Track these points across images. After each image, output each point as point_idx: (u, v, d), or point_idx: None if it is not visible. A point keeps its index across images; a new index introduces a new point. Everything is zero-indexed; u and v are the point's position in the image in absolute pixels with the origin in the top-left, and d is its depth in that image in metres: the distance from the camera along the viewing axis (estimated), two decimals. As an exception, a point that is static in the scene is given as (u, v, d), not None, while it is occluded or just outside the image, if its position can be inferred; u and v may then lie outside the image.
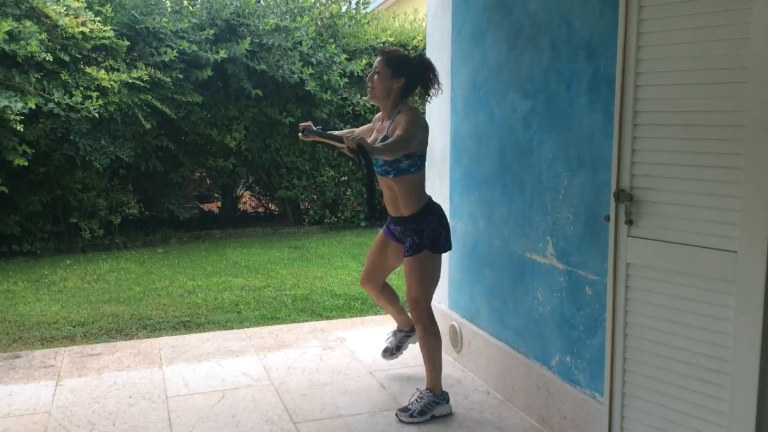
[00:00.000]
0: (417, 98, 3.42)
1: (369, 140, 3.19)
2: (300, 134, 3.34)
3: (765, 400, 1.91)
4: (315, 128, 3.31)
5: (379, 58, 3.23)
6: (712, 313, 2.02)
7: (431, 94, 3.31)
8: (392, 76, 3.19)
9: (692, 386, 2.09)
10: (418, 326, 3.29)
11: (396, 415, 3.27)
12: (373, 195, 3.10)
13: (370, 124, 3.47)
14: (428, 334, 3.27)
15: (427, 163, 4.27)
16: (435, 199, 4.16)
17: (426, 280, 3.27)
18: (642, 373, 2.24)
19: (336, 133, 3.40)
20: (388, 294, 3.66)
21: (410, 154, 3.15)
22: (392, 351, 3.72)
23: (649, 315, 2.20)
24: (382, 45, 8.60)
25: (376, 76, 3.21)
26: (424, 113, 4.13)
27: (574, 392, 2.88)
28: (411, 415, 3.22)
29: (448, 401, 3.32)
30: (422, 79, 3.26)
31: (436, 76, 3.28)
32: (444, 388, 3.50)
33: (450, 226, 3.94)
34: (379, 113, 3.37)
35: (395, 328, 3.79)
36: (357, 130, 3.51)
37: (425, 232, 3.24)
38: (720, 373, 2.01)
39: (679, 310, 2.12)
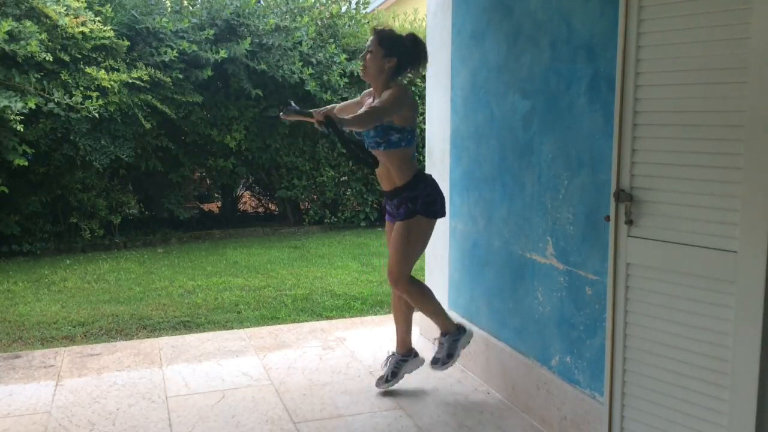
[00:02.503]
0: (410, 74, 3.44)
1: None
2: (280, 114, 3.26)
3: (765, 400, 1.91)
4: (293, 106, 3.23)
5: (372, 37, 3.27)
6: (712, 313, 2.02)
7: (420, 70, 3.35)
8: (384, 56, 3.22)
9: (692, 386, 2.09)
10: (402, 294, 3.40)
11: (431, 366, 3.49)
12: (358, 147, 3.08)
13: (357, 99, 3.51)
14: (414, 298, 3.38)
15: (427, 162, 4.30)
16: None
17: (409, 249, 3.28)
18: (642, 373, 2.24)
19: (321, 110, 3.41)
20: (409, 309, 3.57)
21: (401, 128, 3.19)
22: (387, 378, 3.52)
23: (649, 315, 2.20)
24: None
25: (369, 55, 3.25)
26: (422, 128, 4.14)
27: (574, 392, 2.88)
28: (443, 363, 3.45)
29: (464, 330, 3.49)
30: (414, 59, 3.30)
31: (426, 54, 3.31)
32: (444, 388, 3.52)
33: (448, 228, 3.96)
34: (369, 89, 3.41)
35: (390, 352, 3.64)
36: (339, 105, 3.52)
37: (420, 199, 3.27)
38: (720, 373, 2.00)
39: (679, 310, 2.11)
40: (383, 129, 3.20)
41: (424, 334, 4.32)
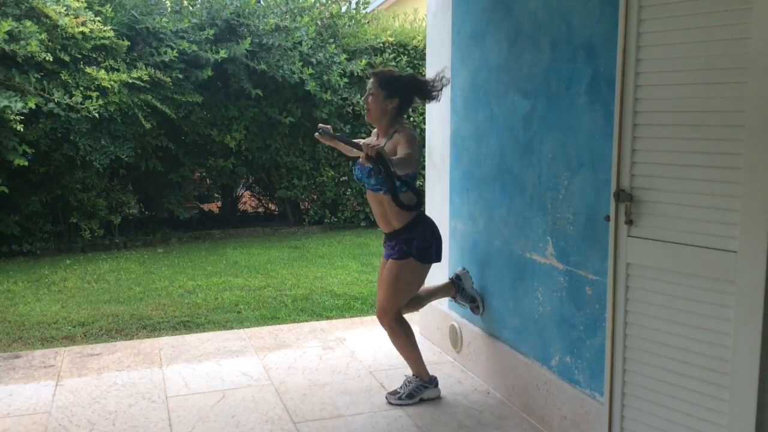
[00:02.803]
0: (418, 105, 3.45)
1: None
2: (316, 134, 3.33)
3: (765, 400, 1.91)
4: (332, 132, 3.33)
5: (372, 79, 3.28)
6: (712, 313, 2.02)
7: (435, 99, 3.35)
8: (386, 98, 3.24)
9: (692, 386, 2.09)
10: (384, 328, 3.42)
11: (386, 398, 3.43)
12: (390, 172, 3.08)
13: (371, 138, 3.46)
14: (394, 336, 3.41)
15: (426, 163, 4.30)
16: (435, 199, 4.18)
17: (400, 289, 3.32)
18: (642, 373, 2.24)
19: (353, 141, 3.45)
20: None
21: (404, 174, 3.18)
22: (401, 396, 3.40)
23: (649, 315, 2.20)
24: (381, 45, 8.60)
25: (370, 98, 3.27)
26: (422, 128, 4.14)
27: (574, 392, 2.88)
28: (399, 398, 3.40)
29: (436, 385, 3.46)
30: (418, 95, 3.31)
31: (432, 87, 3.30)
32: (444, 388, 3.52)
33: (448, 228, 3.96)
34: (375, 130, 3.41)
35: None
36: (365, 141, 3.51)
37: (415, 242, 3.27)
38: (720, 373, 2.00)
39: (679, 310, 2.11)
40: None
41: (424, 334, 4.32)
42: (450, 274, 4.00)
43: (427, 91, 3.30)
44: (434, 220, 3.47)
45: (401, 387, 3.45)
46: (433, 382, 3.45)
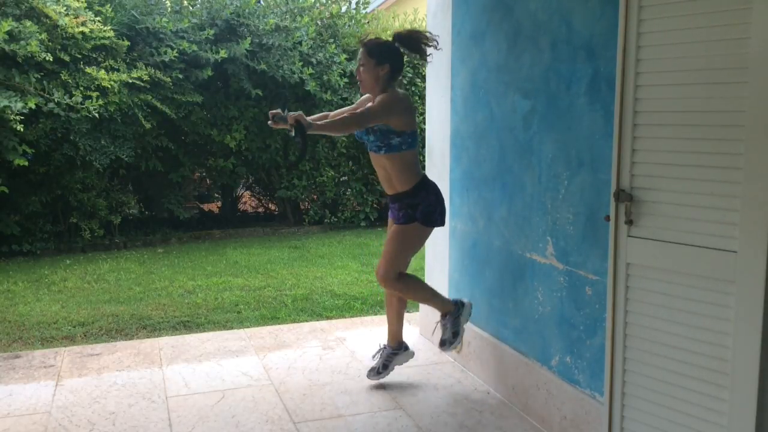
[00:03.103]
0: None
1: None
2: (269, 122, 3.13)
3: (765, 400, 1.91)
4: (284, 114, 3.12)
5: (361, 50, 3.31)
6: (712, 313, 2.02)
7: (431, 53, 3.37)
8: (376, 65, 3.27)
9: (692, 386, 2.09)
10: (392, 292, 3.49)
11: (440, 349, 3.57)
12: (304, 150, 3.12)
13: (357, 103, 3.52)
14: (405, 292, 3.47)
15: (427, 163, 4.30)
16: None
17: (402, 253, 3.37)
18: (642, 373, 2.24)
19: (315, 117, 3.44)
20: (401, 305, 3.66)
21: (400, 132, 3.24)
22: (378, 370, 3.61)
23: (649, 315, 2.20)
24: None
25: (361, 68, 3.30)
26: (422, 128, 4.16)
27: (574, 392, 2.88)
28: (450, 343, 3.50)
29: (462, 305, 3.56)
30: (413, 51, 3.33)
31: (423, 39, 3.30)
32: (444, 388, 3.54)
33: (448, 228, 3.96)
34: (367, 95, 3.44)
35: (382, 344, 3.73)
36: (333, 113, 3.53)
37: (420, 206, 3.32)
38: (720, 373, 2.00)
39: (679, 310, 2.11)
40: (382, 133, 3.24)
41: (424, 334, 4.32)
42: (450, 273, 4.01)
43: (416, 39, 3.30)
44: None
45: (442, 334, 3.53)
46: (459, 305, 3.53)
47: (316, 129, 3.01)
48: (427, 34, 3.33)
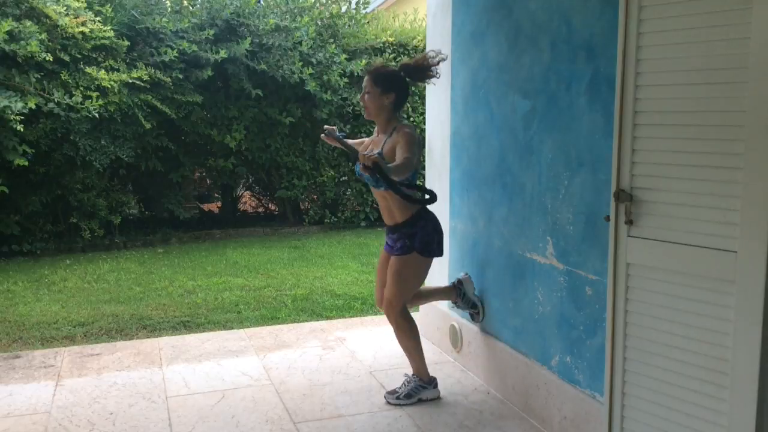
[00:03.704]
0: (416, 89, 3.48)
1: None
2: (322, 135, 3.37)
3: (765, 400, 1.91)
4: (338, 134, 3.37)
5: (366, 77, 3.29)
6: (712, 313, 2.02)
7: (435, 77, 3.35)
8: (382, 93, 3.25)
9: (692, 386, 2.09)
10: (391, 323, 3.43)
11: (384, 397, 3.44)
12: (407, 189, 3.13)
13: (374, 136, 3.45)
14: (400, 331, 3.41)
15: (427, 163, 4.30)
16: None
17: (405, 283, 3.34)
18: (642, 373, 2.23)
19: (353, 143, 3.50)
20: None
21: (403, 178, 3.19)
22: (399, 396, 3.41)
23: (649, 315, 2.20)
24: (381, 45, 8.61)
25: (366, 96, 3.28)
26: (422, 128, 4.16)
27: (574, 392, 2.88)
28: (397, 398, 3.40)
29: (435, 386, 3.46)
30: (417, 80, 3.33)
31: (428, 69, 3.29)
32: (444, 388, 3.52)
33: (448, 228, 3.96)
34: (376, 128, 3.42)
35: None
36: (367, 140, 3.52)
37: (417, 236, 3.30)
38: (720, 373, 2.00)
39: (679, 310, 2.11)
40: None
41: (424, 334, 4.31)
42: (450, 273, 4.01)
43: (423, 70, 3.29)
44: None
45: (400, 386, 3.45)
46: (432, 383, 3.45)
47: (392, 173, 2.98)
48: (432, 65, 3.28)
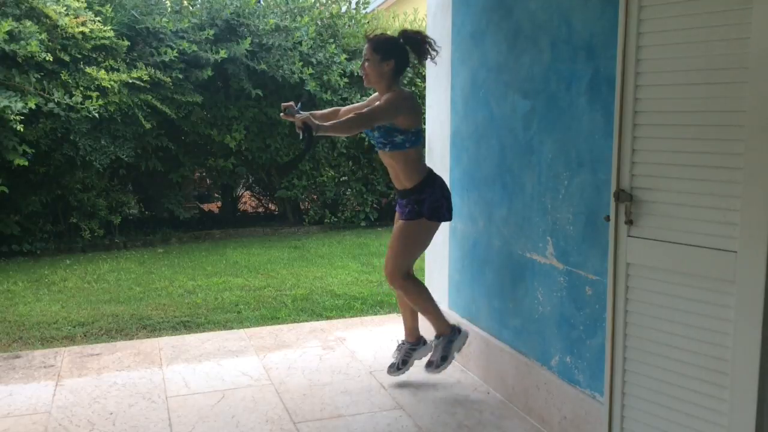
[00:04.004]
0: (416, 63, 3.50)
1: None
2: (281, 114, 3.22)
3: (765, 400, 1.91)
4: (296, 109, 3.18)
5: (366, 45, 3.32)
6: (712, 313, 2.02)
7: (431, 58, 3.37)
8: (381, 60, 3.28)
9: (692, 386, 2.09)
10: (397, 290, 3.46)
11: (425, 369, 3.54)
12: (308, 150, 3.16)
13: (365, 102, 3.54)
14: (408, 294, 3.43)
15: (426, 162, 4.29)
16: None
17: (408, 250, 3.37)
18: (642, 373, 2.24)
19: (325, 112, 3.51)
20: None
21: (404, 130, 3.25)
22: (398, 366, 3.61)
23: (649, 315, 2.20)
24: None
25: (366, 63, 3.31)
26: (423, 102, 4.19)
27: (574, 392, 2.88)
28: (436, 366, 3.49)
29: (459, 331, 3.53)
30: (415, 52, 3.35)
31: (427, 44, 3.32)
32: (444, 389, 3.53)
33: (448, 231, 3.96)
34: (375, 94, 3.46)
35: (401, 340, 3.73)
36: (343, 109, 3.55)
37: (426, 202, 3.33)
38: (720, 373, 2.00)
39: (679, 310, 2.11)
40: (386, 131, 3.26)
41: (424, 334, 4.31)
42: (450, 274, 4.01)
43: (419, 42, 3.32)
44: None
45: (433, 354, 3.51)
46: (455, 331, 3.50)
47: (323, 131, 3.01)
48: (430, 41, 3.35)
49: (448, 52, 3.91)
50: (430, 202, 3.33)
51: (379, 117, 3.16)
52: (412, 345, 3.65)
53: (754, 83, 1.85)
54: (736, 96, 1.91)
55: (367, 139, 8.17)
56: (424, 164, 3.43)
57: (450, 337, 3.49)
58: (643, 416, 2.24)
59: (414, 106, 3.29)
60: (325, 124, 3.05)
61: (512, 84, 3.30)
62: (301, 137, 3.00)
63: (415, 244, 3.40)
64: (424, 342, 3.65)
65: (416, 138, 3.31)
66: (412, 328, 3.66)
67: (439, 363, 3.49)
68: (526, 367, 3.24)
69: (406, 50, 3.34)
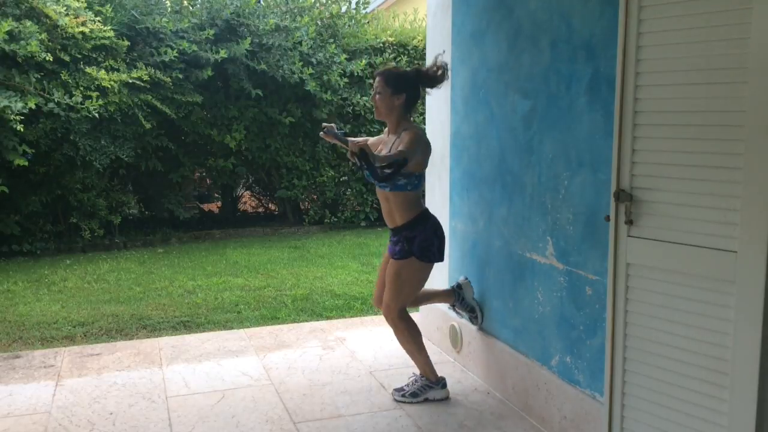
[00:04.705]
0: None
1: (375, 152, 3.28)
2: (321, 132, 3.30)
3: (765, 400, 1.91)
4: (336, 131, 3.33)
5: (377, 78, 3.31)
6: (712, 313, 2.02)
7: (444, 81, 3.39)
8: (392, 94, 3.27)
9: (692, 386, 2.09)
10: (390, 326, 3.43)
11: (391, 394, 3.45)
12: (373, 168, 3.14)
13: (382, 136, 3.51)
14: (399, 333, 3.41)
15: (426, 162, 4.29)
16: (435, 199, 4.18)
17: (402, 288, 3.33)
18: (642, 373, 2.23)
19: (356, 141, 3.48)
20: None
21: (409, 173, 3.21)
22: (406, 394, 3.41)
23: (649, 315, 2.20)
24: (381, 45, 8.61)
25: (377, 96, 3.29)
26: (424, 127, 4.18)
27: (574, 392, 2.88)
28: (403, 395, 3.41)
29: (443, 386, 3.45)
30: (427, 85, 3.35)
31: (439, 76, 3.32)
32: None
33: (448, 228, 3.96)
34: (387, 127, 3.44)
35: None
36: (371, 140, 3.55)
37: (416, 240, 3.28)
38: (720, 373, 2.00)
39: (679, 310, 2.11)
40: None
41: (424, 334, 4.31)
42: (450, 274, 4.01)
43: (434, 77, 3.32)
44: (434, 220, 3.48)
45: (407, 384, 3.46)
46: (440, 383, 3.44)
47: (378, 161, 3.02)
48: (445, 79, 3.34)
49: (448, 52, 3.91)
50: (421, 240, 3.27)
51: (412, 155, 3.15)
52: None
53: (754, 83, 1.85)
54: (736, 96, 1.91)
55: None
56: (421, 204, 3.38)
57: (431, 384, 3.42)
58: (643, 416, 2.24)
59: (428, 148, 3.29)
60: (377, 155, 3.07)
61: (512, 84, 3.29)
62: (360, 165, 3.07)
63: (408, 285, 3.33)
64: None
65: (419, 182, 3.29)
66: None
67: (407, 395, 3.39)
68: (526, 367, 3.24)
69: (417, 85, 3.32)
